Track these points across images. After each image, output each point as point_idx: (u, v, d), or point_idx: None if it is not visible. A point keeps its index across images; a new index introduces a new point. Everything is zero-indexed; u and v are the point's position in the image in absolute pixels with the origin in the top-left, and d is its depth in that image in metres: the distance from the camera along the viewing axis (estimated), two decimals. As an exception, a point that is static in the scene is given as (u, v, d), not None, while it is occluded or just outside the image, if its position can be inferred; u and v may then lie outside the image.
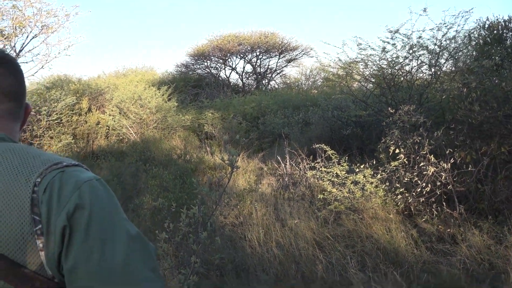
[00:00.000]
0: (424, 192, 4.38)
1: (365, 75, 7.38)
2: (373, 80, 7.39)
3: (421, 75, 6.89)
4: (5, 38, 7.60)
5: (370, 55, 6.77)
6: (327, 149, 5.51)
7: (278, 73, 20.38)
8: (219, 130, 10.51)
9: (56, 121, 9.44)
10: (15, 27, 8.02)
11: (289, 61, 19.95)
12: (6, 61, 0.89)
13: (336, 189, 4.92)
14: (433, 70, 6.32)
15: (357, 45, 6.77)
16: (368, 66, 7.04)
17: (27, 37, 8.23)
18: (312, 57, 19.90)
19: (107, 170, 7.12)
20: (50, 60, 8.55)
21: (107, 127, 10.74)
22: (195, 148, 9.08)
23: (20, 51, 7.81)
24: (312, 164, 5.81)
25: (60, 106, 9.67)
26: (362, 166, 4.94)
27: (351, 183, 4.86)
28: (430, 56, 6.25)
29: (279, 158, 6.66)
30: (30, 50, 8.25)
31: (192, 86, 17.37)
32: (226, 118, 11.19)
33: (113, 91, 12.19)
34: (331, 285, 3.25)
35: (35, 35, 8.44)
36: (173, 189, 5.24)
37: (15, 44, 7.86)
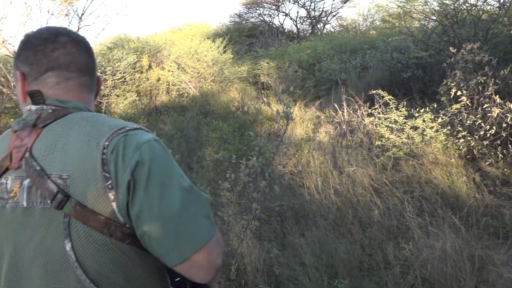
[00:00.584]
0: (488, 135, 4.22)
1: (426, 12, 6.94)
2: (434, 18, 6.94)
3: (488, 8, 6.35)
4: (68, 3, 7.96)
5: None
6: (384, 94, 5.39)
7: (333, 16, 19.55)
8: (275, 79, 10.51)
9: (120, 80, 9.95)
10: (75, -9, 8.35)
11: (345, 1, 18.99)
12: (79, 41, 1.04)
13: (395, 135, 4.86)
14: (501, 0, 5.81)
15: (417, -20, 6.34)
16: (428, 2, 6.60)
17: (87, 0, 8.57)
18: (369, -5, 18.79)
19: (171, 124, 7.50)
20: (109, 21, 8.88)
21: (167, 83, 11.13)
22: (252, 99, 9.20)
23: (83, 14, 8.17)
24: (370, 110, 5.73)
25: (122, 65, 10.13)
26: (422, 111, 4.81)
27: (410, 128, 4.78)
28: (499, -14, 5.72)
29: (336, 105, 6.62)
30: (91, 13, 8.59)
31: (246, 36, 17.25)
32: (281, 67, 11.11)
33: (170, 47, 12.47)
34: (387, 229, 3.34)
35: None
36: (232, 141, 5.46)
37: (76, 8, 8.21)
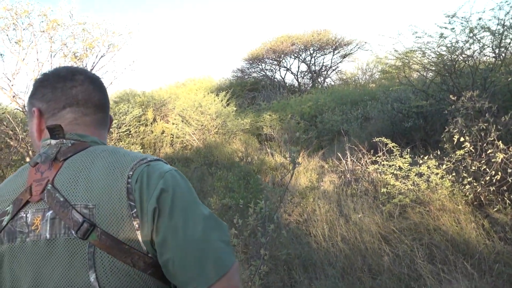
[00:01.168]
0: (494, 181, 4.22)
1: (424, 63, 7.18)
2: (432, 68, 7.16)
3: (484, 58, 6.58)
4: (77, 59, 8.28)
5: (428, 42, 6.58)
6: (388, 142, 5.45)
7: (333, 70, 20.21)
8: (277, 131, 10.66)
9: (126, 132, 10.11)
10: (86, 48, 8.70)
11: (344, 56, 19.70)
12: (95, 79, 1.09)
13: (400, 182, 4.86)
14: (497, 51, 6.02)
15: (413, 34, 6.61)
16: (426, 54, 6.84)
17: (96, 56, 8.89)
18: (367, 50, 19.52)
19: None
20: (117, 76, 9.18)
21: (172, 135, 11.29)
22: (256, 150, 9.29)
23: (92, 69, 8.45)
24: (374, 158, 5.77)
25: (128, 118, 10.34)
26: (426, 158, 4.84)
27: (415, 175, 4.78)
28: (493, 38, 5.96)
29: (339, 154, 6.67)
30: (100, 69, 8.90)
31: (249, 89, 17.71)
32: (284, 119, 11.32)
33: (175, 100, 12.79)
34: (398, 277, 3.25)
35: (103, 54, 9.10)
36: (238, 189, 5.46)
37: (86, 64, 8.51)
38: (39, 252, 0.87)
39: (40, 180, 0.92)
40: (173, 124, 11.48)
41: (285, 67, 20.25)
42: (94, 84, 1.07)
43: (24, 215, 0.91)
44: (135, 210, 0.85)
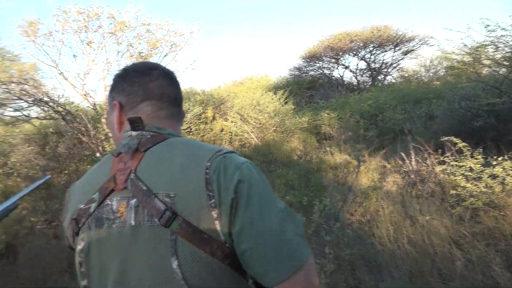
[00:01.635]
0: None
1: (496, 59, 6.73)
2: (506, 63, 6.70)
3: None
4: (143, 59, 8.63)
5: (501, 36, 6.17)
6: (457, 141, 5.17)
7: (394, 67, 19.51)
8: (336, 130, 10.49)
9: (187, 130, 10.41)
10: (150, 48, 9.06)
11: (406, 53, 18.93)
12: (170, 74, 1.13)
13: (471, 184, 4.59)
14: None
15: (485, 27, 6.23)
16: (499, 48, 6.42)
17: (160, 56, 9.23)
18: (432, 46, 18.57)
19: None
20: (179, 75, 9.48)
21: (230, 133, 11.47)
22: (314, 148, 9.20)
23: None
24: (441, 158, 5.50)
25: (189, 116, 10.64)
26: (500, 159, 4.54)
27: (488, 177, 4.50)
28: None
29: (403, 154, 6.43)
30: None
31: (306, 88, 17.57)
32: (342, 117, 11.11)
33: (233, 99, 12.97)
34: (472, 283, 3.08)
35: (166, 53, 9.43)
36: (298, 187, 5.43)
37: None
38: (125, 238, 0.91)
39: (124, 169, 0.97)
40: (231, 122, 11.66)
41: (343, 65, 19.87)
42: (169, 79, 1.11)
43: (110, 202, 0.96)
44: (213, 200, 0.86)
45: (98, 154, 7.53)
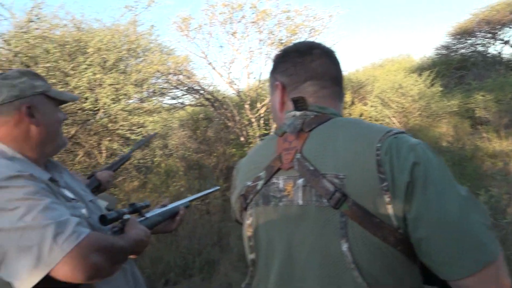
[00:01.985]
0: None
1: None
2: None
3: None
4: (282, 45, 8.80)
5: None
6: None
7: None
8: (493, 113, 9.29)
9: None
10: (289, 35, 9.20)
11: None
12: (331, 53, 1.09)
13: None
14: None
15: None
16: None
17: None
18: None
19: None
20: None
21: (370, 118, 11.06)
22: (467, 134, 8.31)
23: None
24: None
25: (327, 101, 10.57)
26: None
27: None
28: None
29: None
30: (302, 54, 9.29)
31: (455, 68, 15.93)
32: (502, 100, 9.77)
33: (373, 82, 12.45)
34: None
35: (305, 39, 9.47)
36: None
37: (291, 49, 8.99)
38: (292, 216, 0.92)
39: (289, 149, 0.96)
40: (371, 106, 11.22)
41: (501, 40, 17.42)
42: (330, 58, 1.08)
43: (276, 181, 0.97)
44: (385, 183, 0.81)
45: (242, 138, 7.99)
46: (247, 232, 1.04)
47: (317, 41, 1.15)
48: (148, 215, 1.40)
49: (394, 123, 10.30)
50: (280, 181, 0.96)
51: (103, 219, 1.17)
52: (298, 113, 1.00)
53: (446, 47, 18.80)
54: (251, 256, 1.04)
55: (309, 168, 0.90)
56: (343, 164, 0.87)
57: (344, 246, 0.83)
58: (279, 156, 0.98)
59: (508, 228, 2.72)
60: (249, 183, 1.04)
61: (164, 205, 1.57)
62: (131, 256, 1.25)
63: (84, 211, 1.20)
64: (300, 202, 0.91)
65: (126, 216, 1.25)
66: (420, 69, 14.15)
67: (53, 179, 1.18)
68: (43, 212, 0.97)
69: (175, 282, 3.70)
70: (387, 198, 0.81)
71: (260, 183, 1.00)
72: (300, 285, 0.89)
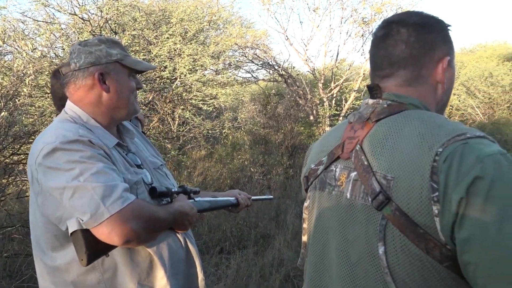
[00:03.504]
0: None
1: None
2: None
3: None
4: (365, 24, 8.46)
5: None
6: None
7: None
8: None
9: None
10: (374, 13, 8.81)
11: None
12: (419, 27, 0.91)
13: None
14: None
15: None
16: None
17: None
18: None
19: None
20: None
21: (451, 107, 10.39)
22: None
23: (375, 35, 8.53)
24: None
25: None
26: None
27: None
28: None
29: None
30: (383, 34, 8.88)
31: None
32: None
33: (460, 68, 11.60)
34: None
35: (391, 19, 9.01)
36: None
37: (372, 29, 8.62)
38: (341, 207, 0.90)
39: (352, 138, 0.92)
40: (454, 94, 10.51)
41: None
42: (417, 34, 0.93)
43: (334, 168, 0.95)
44: (436, 193, 0.72)
45: (311, 117, 7.94)
46: (304, 213, 1.04)
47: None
48: (197, 199, 1.44)
49: (477, 113, 9.59)
50: (337, 169, 0.94)
51: (153, 192, 1.24)
52: (371, 101, 0.93)
53: (552, 34, 16.81)
54: (304, 238, 1.05)
55: (363, 162, 0.86)
56: (395, 164, 0.80)
57: (381, 250, 0.79)
58: (342, 144, 0.94)
59: None
60: (313, 165, 1.02)
61: (215, 196, 1.64)
62: (179, 230, 1.31)
63: (148, 176, 1.30)
64: (348, 196, 0.88)
65: (176, 191, 1.32)
66: (516, 57, 12.89)
67: (120, 144, 1.29)
68: (95, 175, 1.07)
69: (229, 251, 3.86)
70: (435, 210, 0.73)
71: (321, 167, 0.99)
72: (330, 274, 0.91)
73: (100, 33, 5.64)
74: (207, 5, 9.20)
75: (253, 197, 1.84)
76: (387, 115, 0.88)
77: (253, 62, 8.74)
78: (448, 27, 0.95)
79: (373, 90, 0.94)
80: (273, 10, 8.31)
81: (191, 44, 6.25)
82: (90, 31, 5.44)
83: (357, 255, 0.84)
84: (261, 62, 8.70)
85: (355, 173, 0.88)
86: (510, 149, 6.21)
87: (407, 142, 0.81)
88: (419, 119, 0.84)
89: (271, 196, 2.11)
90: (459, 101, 10.15)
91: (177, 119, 6.08)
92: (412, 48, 0.90)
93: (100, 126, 1.27)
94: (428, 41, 0.90)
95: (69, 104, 1.28)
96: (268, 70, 8.86)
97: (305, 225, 1.03)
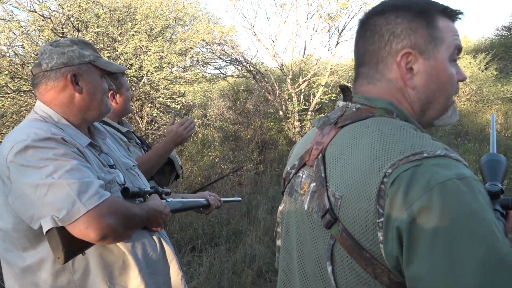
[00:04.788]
0: None
1: None
2: None
3: None
4: (331, 19, 8.57)
5: None
6: None
7: None
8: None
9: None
10: (339, 9, 8.93)
11: None
12: (394, 16, 0.80)
13: None
14: None
15: None
16: None
17: (348, 16, 9.01)
18: None
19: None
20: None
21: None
22: (518, 123, 7.89)
23: (343, 30, 8.64)
24: None
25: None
26: None
27: None
28: None
29: None
30: (350, 28, 9.01)
31: (516, 51, 14.91)
32: None
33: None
34: None
35: (355, 14, 9.16)
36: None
37: (338, 24, 8.73)
38: (300, 217, 0.86)
39: (319, 144, 0.84)
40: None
41: None
42: (393, 24, 0.82)
43: (301, 175, 0.89)
44: (382, 219, 0.65)
45: (280, 113, 7.99)
46: (278, 217, 1.01)
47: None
48: (169, 200, 1.48)
49: (441, 106, 9.91)
50: (304, 176, 0.87)
51: (126, 192, 1.25)
52: (341, 103, 0.85)
53: (508, 28, 17.53)
54: (277, 242, 1.01)
55: (321, 174, 0.78)
56: (346, 182, 0.72)
57: (329, 269, 0.74)
58: (311, 149, 0.86)
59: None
60: (289, 168, 0.97)
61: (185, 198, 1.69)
62: (153, 229, 1.33)
63: (120, 177, 1.31)
64: (305, 207, 0.83)
65: (149, 191, 1.35)
66: (476, 51, 13.37)
67: (93, 144, 1.29)
68: (70, 172, 1.07)
69: (201, 249, 3.86)
70: (380, 237, 0.66)
71: (293, 172, 0.93)
72: (294, 285, 0.88)
73: (62, 30, 5.47)
74: (173, 1, 9.09)
75: (223, 199, 1.91)
76: (351, 122, 0.80)
77: (221, 58, 8.70)
78: (438, 10, 0.81)
79: (344, 92, 0.87)
80: (239, 6, 8.29)
81: (157, 41, 6.15)
82: (51, 29, 5.27)
83: (311, 270, 0.80)
84: (229, 58, 8.67)
85: (314, 184, 0.81)
86: (471, 139, 6.46)
87: (360, 157, 0.72)
88: (378, 131, 0.74)
89: (239, 198, 2.20)
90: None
91: (145, 117, 5.99)
92: (368, 43, 0.82)
93: (71, 126, 1.27)
94: (384, 33, 0.80)
95: (39, 104, 1.28)
96: (237, 66, 8.85)
97: (278, 229, 1.01)
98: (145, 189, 1.33)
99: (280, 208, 1.00)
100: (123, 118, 2.08)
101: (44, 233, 1.05)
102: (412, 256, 0.62)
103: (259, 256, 3.56)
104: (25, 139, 1.09)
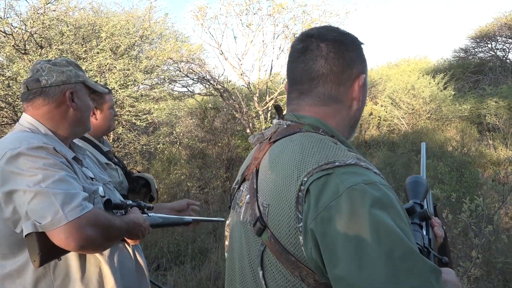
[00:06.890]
0: None
1: None
2: None
3: None
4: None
5: None
6: None
7: None
8: (504, 121, 9.19)
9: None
10: (305, 29, 9.17)
11: None
12: (327, 44, 0.88)
13: None
14: None
15: None
16: None
17: (313, 38, 9.29)
18: None
19: (379, 159, 7.36)
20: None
21: (379, 118, 11.01)
22: (474, 140, 8.25)
23: (309, 51, 8.89)
24: None
25: (337, 98, 10.54)
26: None
27: None
28: None
29: None
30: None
31: (472, 72, 15.66)
32: (514, 107, 9.64)
33: (386, 82, 12.36)
34: None
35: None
36: (449, 182, 4.98)
37: (306, 45, 8.96)
38: (238, 227, 0.92)
39: (256, 158, 0.91)
40: (381, 106, 11.18)
41: (522, 46, 17.04)
42: (326, 51, 0.88)
43: (242, 189, 0.95)
44: (301, 224, 0.71)
45: (248, 130, 8.06)
46: (226, 231, 1.05)
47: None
48: (151, 214, 1.51)
49: (403, 124, 10.25)
50: (244, 189, 0.94)
51: (108, 204, 1.28)
52: (275, 121, 0.92)
53: (465, 50, 18.43)
54: (226, 255, 1.04)
55: (253, 186, 0.86)
56: (272, 191, 0.80)
57: (260, 274, 0.79)
58: (249, 165, 0.94)
59: (491, 236, 2.77)
60: (234, 184, 1.03)
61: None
62: (130, 241, 1.37)
63: (101, 189, 1.35)
64: (241, 217, 0.90)
65: (130, 204, 1.38)
66: (435, 71, 13.98)
67: (77, 158, 1.34)
68: (57, 182, 1.11)
69: (166, 268, 3.81)
70: (301, 240, 0.72)
71: (236, 187, 0.99)
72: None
73: (25, 47, 5.37)
74: (140, 19, 9.09)
75: (207, 218, 2.05)
76: (282, 137, 0.86)
77: (188, 76, 8.73)
78: (362, 45, 0.93)
79: (277, 110, 0.93)
80: (207, 25, 8.41)
81: (122, 59, 6.13)
82: (13, 45, 5.17)
83: (248, 276, 0.85)
84: (196, 77, 8.71)
85: (248, 196, 0.89)
86: (430, 156, 6.71)
87: (283, 168, 0.79)
88: (300, 144, 0.81)
89: (223, 219, 2.18)
90: (386, 112, 10.79)
91: (111, 135, 5.90)
92: (332, 64, 0.87)
93: (57, 140, 1.32)
94: (346, 58, 0.87)
95: (25, 117, 1.33)
96: (204, 84, 8.90)
97: (226, 242, 1.04)
98: (127, 202, 1.38)
99: (227, 222, 1.04)
100: (104, 137, 2.05)
101: (24, 236, 1.08)
102: (333, 259, 0.66)
103: (224, 274, 3.54)
104: (17, 147, 1.14)
